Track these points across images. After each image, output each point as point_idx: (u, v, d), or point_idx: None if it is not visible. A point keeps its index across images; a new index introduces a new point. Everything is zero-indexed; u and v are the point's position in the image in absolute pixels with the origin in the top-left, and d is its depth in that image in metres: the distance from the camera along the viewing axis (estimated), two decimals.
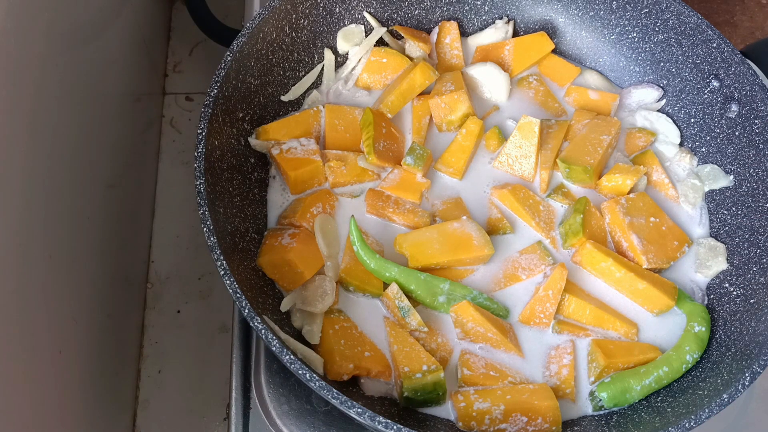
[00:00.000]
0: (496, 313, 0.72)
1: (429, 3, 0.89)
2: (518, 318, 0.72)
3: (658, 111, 0.87)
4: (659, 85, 0.87)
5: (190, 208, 0.98)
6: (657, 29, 0.85)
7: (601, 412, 0.69)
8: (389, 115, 0.81)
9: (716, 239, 0.79)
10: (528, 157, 0.79)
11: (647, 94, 0.87)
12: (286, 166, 0.75)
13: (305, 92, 0.84)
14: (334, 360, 0.66)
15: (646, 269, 0.75)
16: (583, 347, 0.72)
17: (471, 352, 0.70)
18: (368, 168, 0.78)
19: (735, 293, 0.74)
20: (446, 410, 0.68)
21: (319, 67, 0.85)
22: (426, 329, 0.70)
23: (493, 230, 0.77)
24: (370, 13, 0.87)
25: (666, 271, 0.77)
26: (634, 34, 0.87)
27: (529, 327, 0.72)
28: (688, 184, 0.82)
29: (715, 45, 0.80)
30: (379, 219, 0.76)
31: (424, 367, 0.66)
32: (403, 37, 0.87)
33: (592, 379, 0.70)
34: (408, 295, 0.70)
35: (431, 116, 0.83)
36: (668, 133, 0.85)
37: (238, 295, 0.60)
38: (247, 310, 0.60)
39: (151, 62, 1.03)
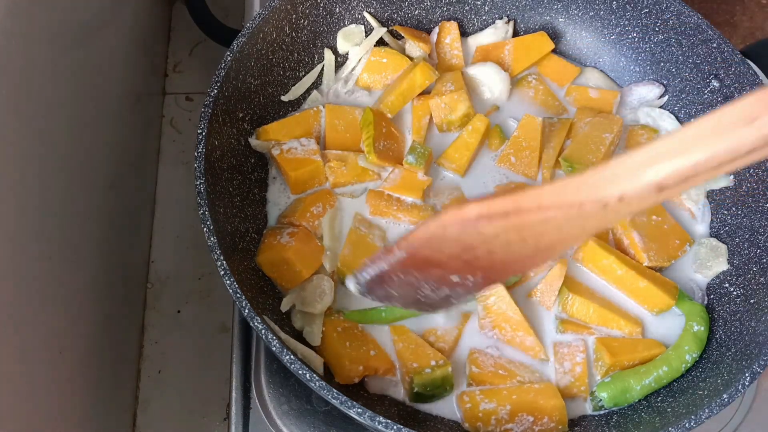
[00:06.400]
0: None
1: (429, 3, 0.89)
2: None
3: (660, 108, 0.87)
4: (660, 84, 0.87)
5: (190, 208, 0.98)
6: (657, 29, 0.84)
7: (601, 412, 0.69)
8: (389, 115, 0.81)
9: (717, 239, 0.79)
10: (530, 156, 0.79)
11: (649, 92, 0.87)
12: (286, 167, 0.75)
13: (305, 92, 0.84)
14: (344, 364, 0.66)
15: (647, 267, 0.75)
16: (589, 346, 0.72)
17: (480, 350, 0.70)
18: (369, 168, 0.78)
19: (735, 293, 0.74)
20: (449, 410, 0.68)
21: (319, 67, 0.85)
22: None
23: None
24: (370, 13, 0.87)
25: (666, 270, 0.77)
26: (634, 34, 0.87)
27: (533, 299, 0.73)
28: None
29: (715, 45, 0.80)
30: (384, 218, 0.76)
31: (432, 362, 0.67)
32: (403, 37, 0.87)
33: (598, 378, 0.70)
34: None
35: (431, 116, 0.83)
36: (671, 129, 0.85)
37: (238, 295, 0.60)
38: (247, 310, 0.60)
39: (151, 62, 1.03)
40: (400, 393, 0.68)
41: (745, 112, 0.39)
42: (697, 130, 0.41)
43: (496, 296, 0.69)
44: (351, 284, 0.54)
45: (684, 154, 0.41)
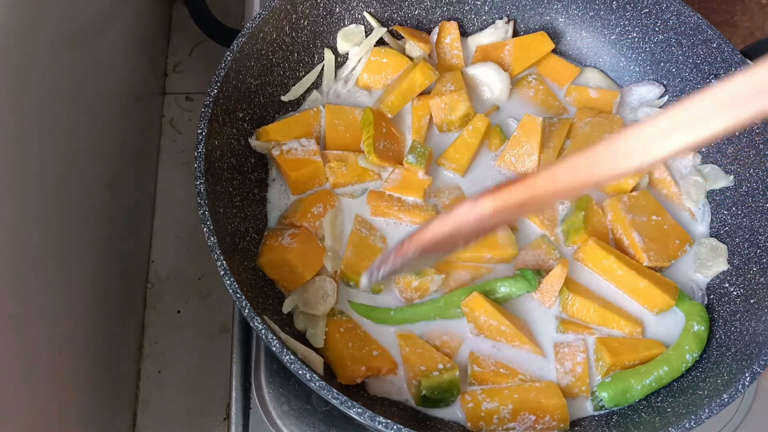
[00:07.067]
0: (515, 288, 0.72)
1: (429, 3, 0.89)
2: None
3: (660, 108, 0.87)
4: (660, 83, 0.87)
5: (190, 208, 0.98)
6: (657, 29, 0.84)
7: (602, 412, 0.69)
8: (389, 115, 0.81)
9: (717, 239, 0.79)
10: (530, 155, 0.79)
11: (648, 92, 0.87)
12: (286, 167, 0.75)
13: (305, 92, 0.84)
14: (346, 365, 0.66)
15: (647, 267, 0.75)
16: (589, 345, 0.72)
17: (481, 351, 0.70)
18: (369, 168, 0.78)
19: (735, 293, 0.74)
20: (449, 412, 0.68)
21: (319, 67, 0.85)
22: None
23: None
24: (370, 13, 0.87)
25: (666, 270, 0.77)
26: (634, 34, 0.87)
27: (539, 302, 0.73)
28: (690, 181, 0.82)
29: (715, 45, 0.80)
30: (386, 219, 0.76)
31: (440, 366, 0.67)
32: (403, 37, 0.87)
33: (599, 377, 0.70)
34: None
35: (431, 116, 0.83)
36: None
37: (238, 296, 0.60)
38: (247, 311, 0.60)
39: (151, 62, 1.03)
40: (401, 394, 0.68)
41: (760, 82, 0.39)
42: (713, 100, 0.40)
43: (486, 315, 0.69)
44: (364, 280, 0.60)
45: (698, 125, 0.41)
